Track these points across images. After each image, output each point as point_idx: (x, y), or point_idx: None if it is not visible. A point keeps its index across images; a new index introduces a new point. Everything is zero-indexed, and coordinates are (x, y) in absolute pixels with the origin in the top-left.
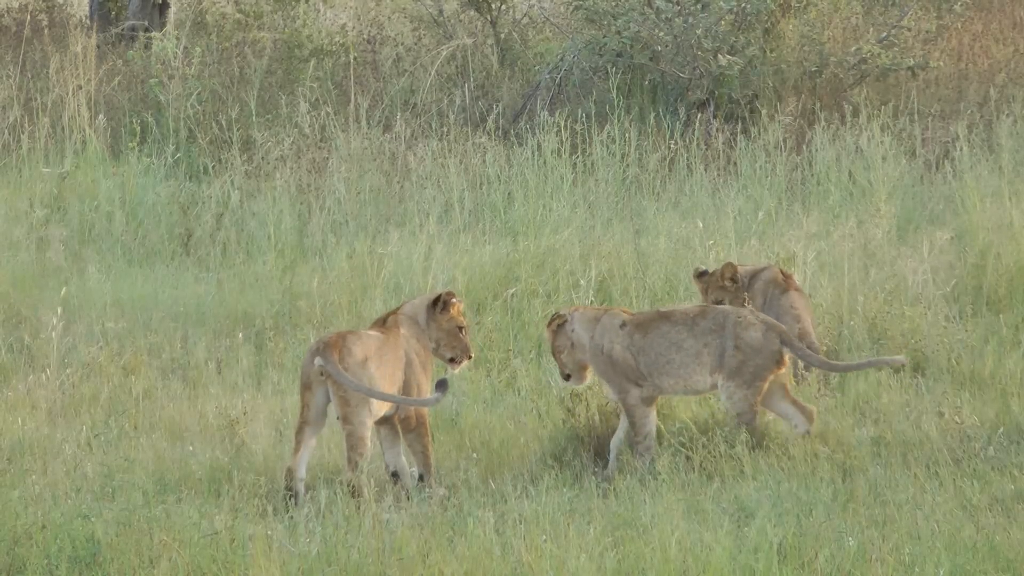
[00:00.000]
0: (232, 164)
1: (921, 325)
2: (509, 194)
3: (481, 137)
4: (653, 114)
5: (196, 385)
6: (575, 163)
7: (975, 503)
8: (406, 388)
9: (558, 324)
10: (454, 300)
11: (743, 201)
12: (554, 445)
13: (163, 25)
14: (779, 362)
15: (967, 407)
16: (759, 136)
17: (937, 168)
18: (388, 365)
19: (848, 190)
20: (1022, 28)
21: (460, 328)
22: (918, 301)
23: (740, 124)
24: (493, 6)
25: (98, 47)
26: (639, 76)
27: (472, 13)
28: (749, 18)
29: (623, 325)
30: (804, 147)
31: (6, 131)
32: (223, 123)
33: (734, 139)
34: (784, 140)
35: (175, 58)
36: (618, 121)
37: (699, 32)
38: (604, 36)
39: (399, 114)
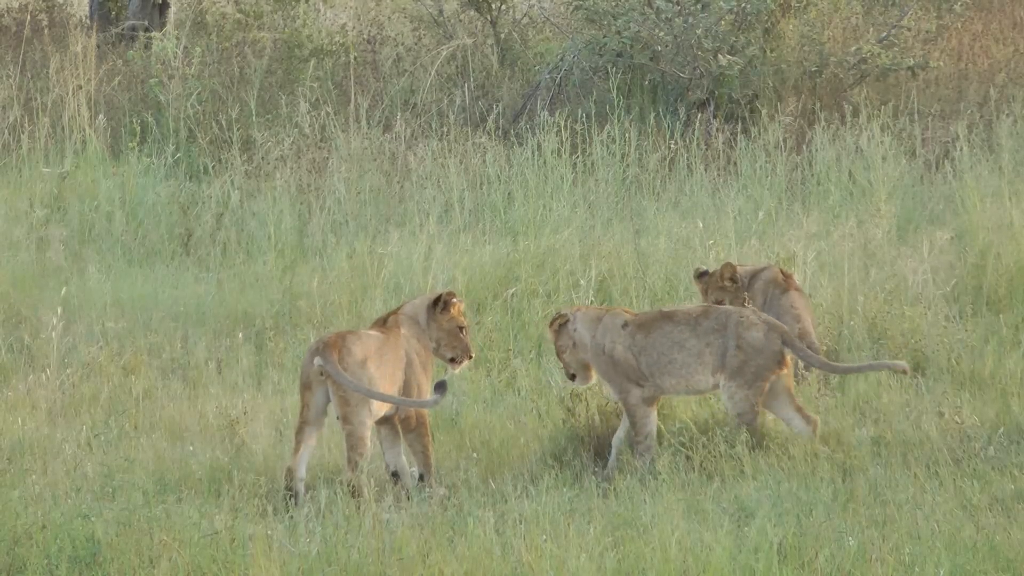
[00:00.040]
0: (232, 164)
1: (921, 325)
2: (509, 194)
3: (481, 137)
4: (653, 114)
5: (196, 385)
6: (575, 163)
7: (975, 503)
8: (406, 388)
9: (560, 324)
10: (455, 300)
11: (743, 201)
12: (554, 445)
13: (163, 25)
14: (781, 362)
15: (967, 407)
16: (759, 136)
17: (937, 168)
18: (388, 365)
19: (848, 190)
20: (1022, 28)
21: (461, 328)
22: (918, 301)
23: (740, 124)
24: (493, 6)
25: (98, 47)
26: (639, 76)
27: (472, 13)
28: (749, 18)
29: (625, 325)
30: (804, 147)
31: (6, 131)
32: (223, 123)
33: (734, 139)
34: (784, 140)
35: (175, 58)
36: (618, 121)
37: (699, 32)
38: (604, 36)
39: (399, 114)
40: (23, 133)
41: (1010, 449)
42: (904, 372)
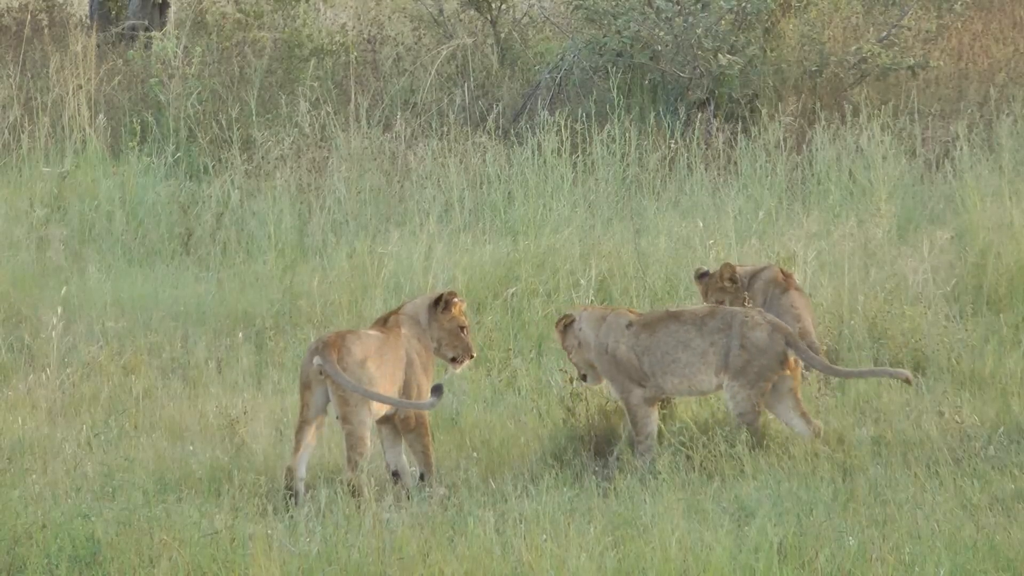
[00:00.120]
0: (232, 164)
1: (921, 325)
2: (509, 194)
3: (481, 137)
4: (653, 114)
5: (196, 385)
6: (575, 163)
7: (975, 502)
8: (406, 388)
9: (565, 325)
10: (456, 299)
11: (743, 201)
12: (554, 444)
13: (163, 25)
14: (784, 363)
15: (967, 407)
16: (759, 136)
17: (937, 168)
18: (388, 365)
19: (848, 190)
20: (1022, 28)
21: (462, 328)
22: (918, 301)
23: (740, 124)
24: (493, 6)
25: (98, 47)
26: (639, 76)
27: (472, 13)
28: (749, 18)
29: (629, 325)
30: (804, 147)
31: (6, 131)
32: (223, 123)
33: (734, 139)
34: (784, 140)
35: (175, 58)
36: (618, 121)
37: (699, 32)
38: (604, 36)
39: (399, 114)
40: (23, 133)
41: (1010, 449)
42: (907, 381)
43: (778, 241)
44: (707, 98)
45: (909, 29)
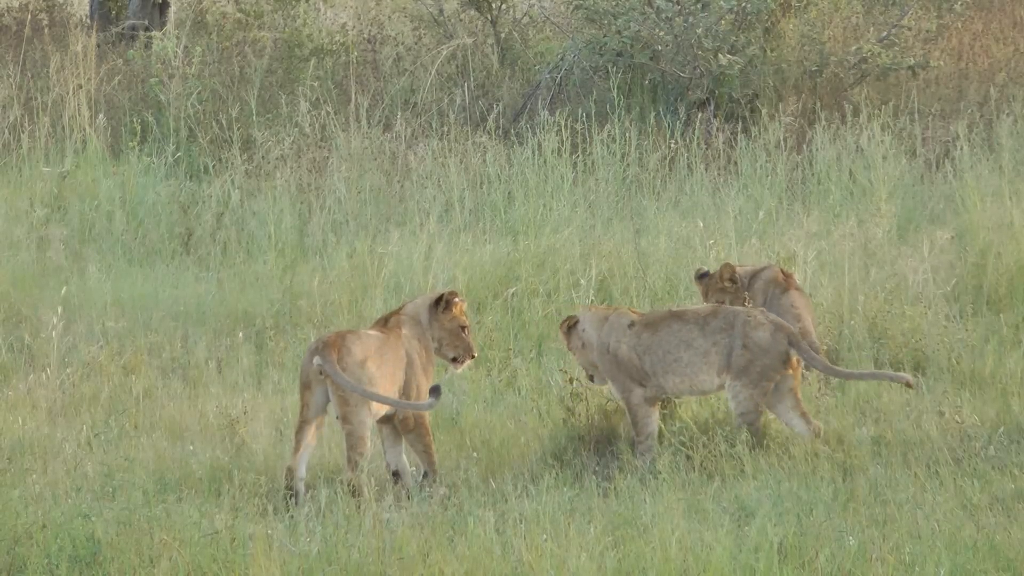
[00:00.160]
0: (232, 163)
1: (921, 324)
2: (509, 193)
3: (481, 136)
4: (653, 113)
5: (196, 384)
6: (575, 163)
7: (975, 502)
8: (405, 388)
9: (569, 326)
10: (456, 299)
11: (743, 200)
12: (554, 444)
13: (163, 24)
14: (787, 363)
15: (967, 406)
16: (759, 135)
17: (937, 167)
18: (389, 365)
19: (848, 189)
20: (1022, 27)
21: (463, 327)
22: (918, 301)
23: (740, 123)
24: (493, 5)
25: (98, 46)
26: (639, 76)
27: (472, 12)
28: (749, 17)
29: (631, 325)
30: (804, 146)
31: (6, 130)
32: (223, 122)
33: (734, 138)
34: (784, 139)
35: (175, 57)
36: (618, 121)
37: (699, 31)
38: (604, 35)
39: (399, 114)
40: (23, 132)
41: (1010, 448)
42: (909, 386)
43: (778, 241)
44: (707, 98)
45: (909, 29)
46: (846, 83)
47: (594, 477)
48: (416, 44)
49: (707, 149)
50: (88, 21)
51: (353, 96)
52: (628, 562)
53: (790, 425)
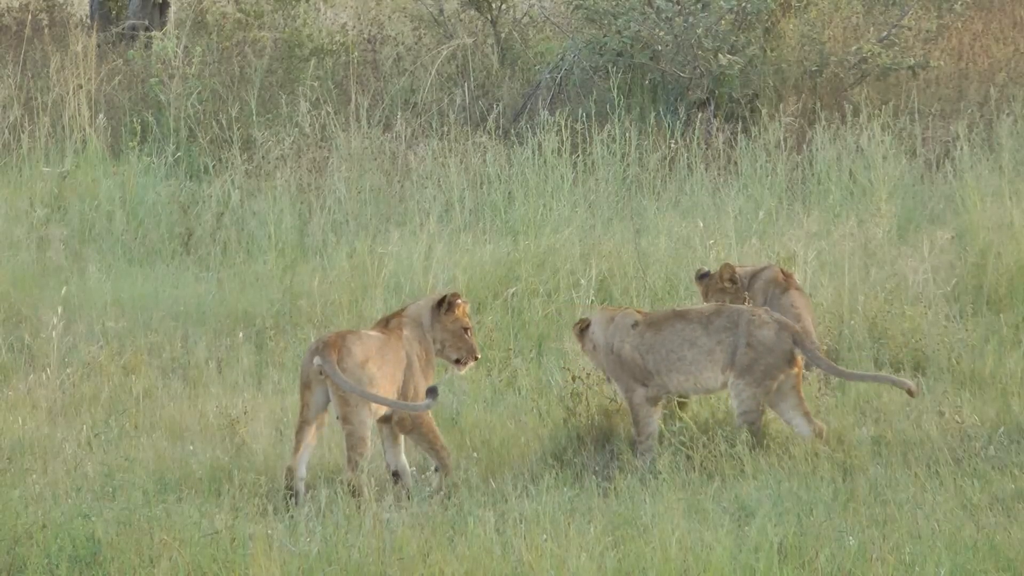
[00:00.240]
0: (232, 163)
1: (921, 324)
2: (509, 193)
3: (481, 136)
4: (653, 113)
5: (196, 384)
6: (575, 163)
7: (975, 502)
8: (403, 390)
9: (581, 328)
10: (459, 301)
11: (743, 200)
12: (554, 444)
13: (163, 24)
14: (791, 362)
15: (967, 406)
16: (759, 135)
17: (937, 167)
18: (389, 366)
19: (848, 189)
20: (1022, 27)
21: (466, 329)
22: (918, 300)
23: (740, 123)
24: (493, 5)
25: (98, 46)
26: (639, 76)
27: (472, 12)
28: (749, 17)
29: (635, 324)
30: (804, 146)
31: (6, 130)
32: (223, 122)
33: (734, 138)
34: (784, 139)
35: (175, 57)
36: (618, 121)
37: (699, 31)
38: (604, 35)
39: (399, 113)
40: (23, 132)
41: (1010, 448)
42: (911, 394)
43: (778, 241)
44: (707, 98)
45: (909, 29)
46: (846, 83)
47: (594, 477)
48: (416, 44)
49: (707, 149)
50: (88, 21)
51: (353, 96)
52: (628, 562)
53: (792, 424)
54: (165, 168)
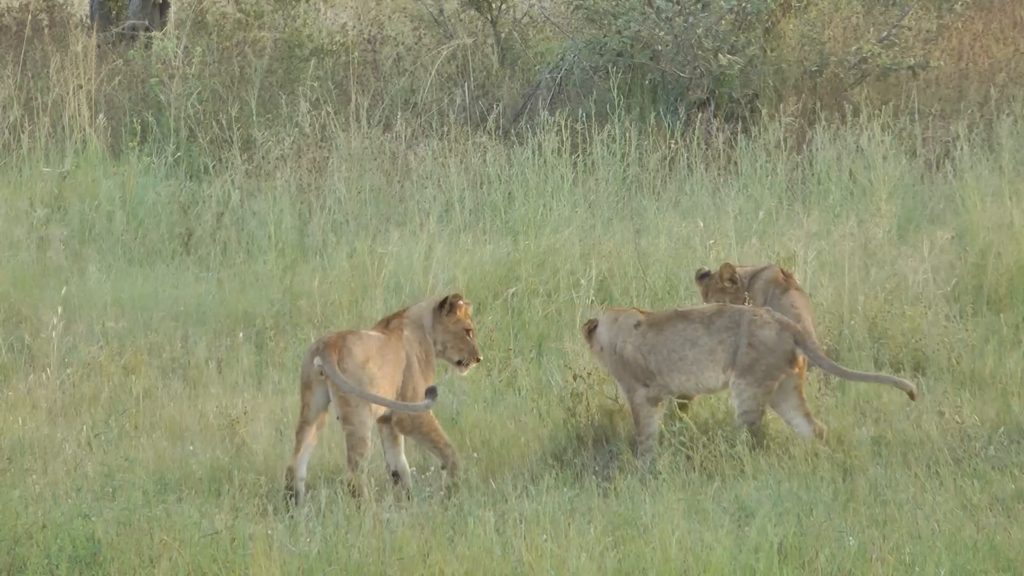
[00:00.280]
0: (232, 163)
1: (921, 325)
2: (509, 194)
3: (481, 137)
4: (653, 114)
5: (196, 385)
6: (575, 163)
7: (975, 502)
8: (402, 391)
9: (589, 329)
10: (461, 302)
11: (743, 201)
12: (554, 444)
13: (163, 25)
14: (792, 362)
15: (967, 407)
16: (759, 136)
17: (937, 168)
18: (389, 366)
19: (849, 189)
20: (1022, 28)
21: (467, 331)
22: (918, 301)
23: (740, 124)
24: (493, 5)
25: (98, 47)
26: (639, 76)
27: (472, 12)
28: (749, 17)
29: (637, 325)
30: (804, 147)
31: (6, 131)
32: (223, 122)
33: (734, 139)
34: (784, 139)
35: (175, 58)
36: (618, 121)
37: (699, 32)
38: (604, 36)
39: (399, 114)
40: (23, 133)
41: (1010, 449)
42: (912, 396)
43: (778, 241)
44: (707, 98)
45: (909, 29)
46: (846, 83)
47: (594, 477)
48: (416, 44)
49: (707, 149)
50: (88, 21)
51: (353, 96)
52: (628, 562)
53: (793, 425)
54: (165, 168)
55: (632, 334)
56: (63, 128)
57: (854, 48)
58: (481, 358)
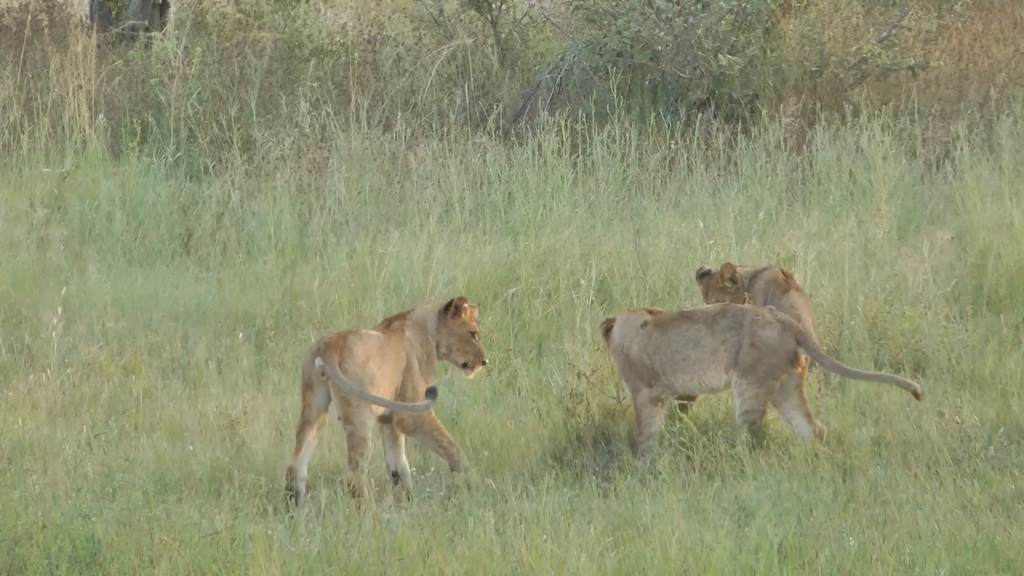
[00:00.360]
0: (232, 164)
1: (921, 325)
2: (509, 194)
3: (481, 137)
4: (653, 114)
5: (196, 385)
6: (575, 163)
7: (975, 503)
8: (401, 391)
9: (606, 329)
10: (466, 305)
11: (743, 201)
12: (554, 445)
13: (163, 25)
14: (794, 362)
15: (967, 407)
16: (759, 136)
17: (937, 168)
18: (389, 366)
19: (848, 190)
20: (1022, 28)
21: (472, 333)
22: (918, 301)
23: (740, 124)
24: (493, 6)
25: (98, 47)
26: (639, 76)
27: (472, 13)
28: (749, 18)
29: (644, 325)
30: (804, 147)
31: (6, 131)
32: (223, 123)
33: (734, 139)
34: (784, 140)
35: (175, 58)
36: (618, 121)
37: (699, 32)
38: (604, 36)
39: (399, 114)
40: (23, 133)
41: (1010, 449)
42: (916, 396)
43: (778, 241)
44: (707, 98)
45: (909, 29)
46: (846, 83)
47: (594, 477)
48: (416, 44)
49: (707, 149)
50: (88, 21)
51: (353, 96)
52: (628, 562)
53: (793, 424)
54: (165, 168)
55: (638, 334)
56: (63, 128)
57: (854, 48)
58: (487, 361)
